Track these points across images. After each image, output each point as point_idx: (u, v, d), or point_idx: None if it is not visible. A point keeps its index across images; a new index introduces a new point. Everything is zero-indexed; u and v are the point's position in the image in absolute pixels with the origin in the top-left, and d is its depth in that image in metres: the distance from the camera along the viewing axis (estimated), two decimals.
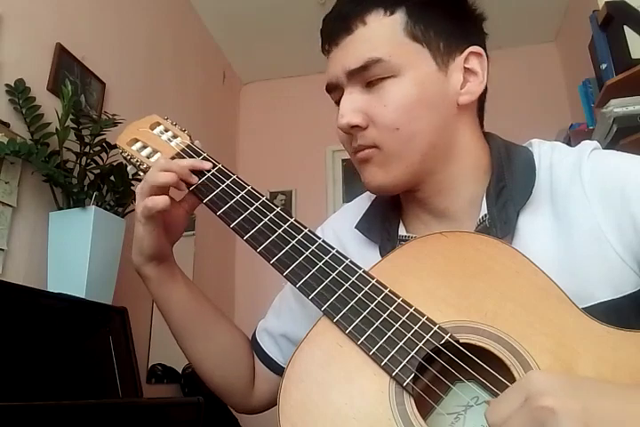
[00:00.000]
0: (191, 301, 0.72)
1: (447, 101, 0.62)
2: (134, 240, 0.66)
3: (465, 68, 0.63)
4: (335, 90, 0.65)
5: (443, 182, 0.65)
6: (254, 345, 0.78)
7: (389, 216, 0.70)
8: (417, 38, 0.61)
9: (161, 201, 0.61)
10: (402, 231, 0.68)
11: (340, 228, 0.75)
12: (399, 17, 0.61)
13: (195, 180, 0.65)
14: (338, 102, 0.65)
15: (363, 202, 0.76)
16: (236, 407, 0.78)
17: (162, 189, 0.62)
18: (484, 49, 0.65)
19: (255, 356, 0.77)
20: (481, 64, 0.64)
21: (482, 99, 0.68)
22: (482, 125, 0.70)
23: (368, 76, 0.61)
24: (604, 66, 1.74)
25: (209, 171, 0.65)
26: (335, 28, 0.63)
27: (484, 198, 0.63)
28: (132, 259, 0.68)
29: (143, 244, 0.65)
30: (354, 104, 0.62)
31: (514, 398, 0.40)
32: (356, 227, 0.71)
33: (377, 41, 0.60)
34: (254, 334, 0.79)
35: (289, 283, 0.78)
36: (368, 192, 0.77)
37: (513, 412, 0.39)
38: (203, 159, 0.66)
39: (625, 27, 1.66)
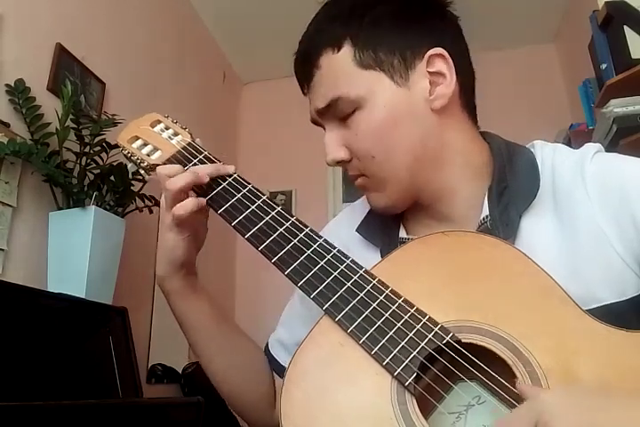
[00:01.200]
0: (214, 314, 0.70)
1: (419, 112, 0.63)
2: (162, 251, 0.65)
3: (429, 72, 0.63)
4: (319, 124, 0.69)
5: (442, 188, 0.65)
6: (270, 361, 0.76)
7: (390, 219, 0.70)
8: (369, 66, 0.62)
9: (190, 203, 0.61)
10: (402, 234, 0.69)
11: (342, 230, 0.75)
12: (346, 50, 0.62)
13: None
14: None
15: (363, 204, 0.76)
16: (258, 424, 0.75)
17: (185, 194, 0.62)
18: (455, 51, 0.64)
19: (273, 372, 0.75)
20: (446, 64, 0.63)
21: (467, 97, 0.67)
22: (475, 123, 0.69)
23: (336, 113, 0.63)
24: (603, 66, 1.74)
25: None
26: (299, 75, 0.68)
27: (486, 199, 0.62)
28: (159, 272, 0.66)
29: (175, 253, 0.64)
30: (334, 140, 0.65)
31: (525, 419, 0.41)
32: (356, 230, 0.71)
33: (332, 80, 0.63)
34: (268, 351, 0.77)
35: (295, 293, 0.78)
36: None
37: None
38: (204, 157, 0.66)
39: (625, 27, 1.66)
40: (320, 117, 0.66)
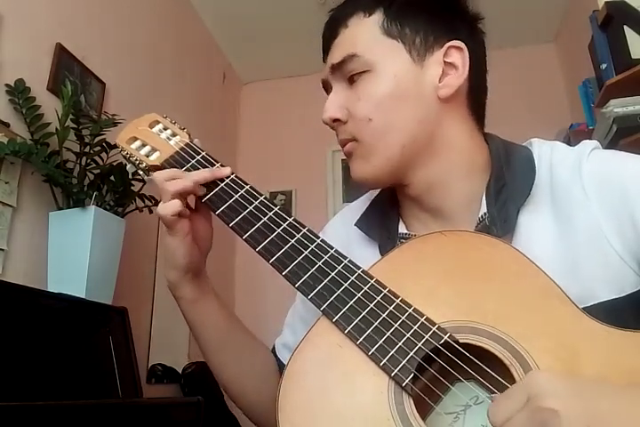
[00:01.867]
0: (226, 318, 0.70)
1: (425, 94, 0.64)
2: (166, 256, 0.65)
3: (445, 62, 0.64)
4: (327, 88, 0.70)
5: (430, 178, 0.65)
6: (278, 363, 0.75)
7: (389, 214, 0.70)
8: (392, 35, 0.64)
9: (171, 205, 0.61)
10: (402, 229, 0.69)
11: (341, 229, 0.75)
12: (376, 17, 0.65)
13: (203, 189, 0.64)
14: None
15: (363, 202, 0.77)
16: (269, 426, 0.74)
17: (175, 197, 0.62)
18: (472, 45, 0.66)
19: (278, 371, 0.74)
20: (462, 58, 0.64)
21: (475, 97, 0.68)
22: (482, 126, 0.70)
23: (347, 70, 0.65)
24: (603, 66, 1.74)
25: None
26: (326, 35, 0.69)
27: (484, 197, 0.63)
28: (167, 278, 0.66)
29: (176, 254, 0.64)
30: (337, 100, 0.66)
31: (516, 398, 0.40)
32: (355, 224, 0.71)
33: (355, 39, 0.65)
34: (275, 355, 0.76)
35: (298, 295, 0.78)
36: (368, 193, 0.77)
37: (515, 412, 0.39)
38: (202, 158, 0.66)
39: (625, 27, 1.66)
40: (331, 74, 0.67)
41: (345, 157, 0.69)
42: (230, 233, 0.63)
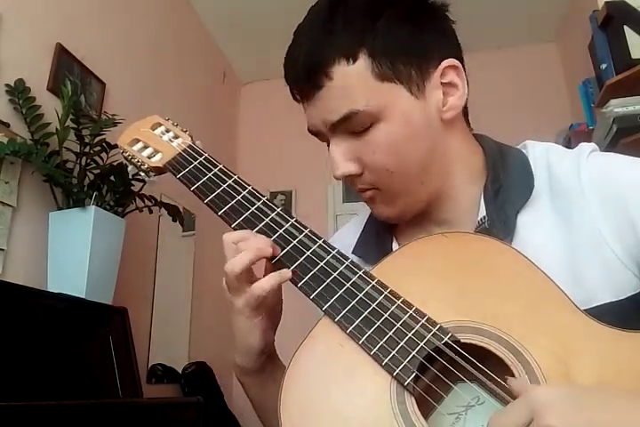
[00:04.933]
0: None
1: (432, 124, 0.61)
2: (237, 340, 0.60)
3: (443, 82, 0.61)
4: (319, 135, 0.65)
5: (446, 195, 0.65)
6: None
7: (383, 236, 0.70)
8: (387, 78, 0.59)
9: (267, 283, 0.56)
10: (395, 246, 0.68)
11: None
12: (362, 62, 0.58)
13: (277, 250, 0.58)
14: (326, 142, 0.65)
15: (357, 224, 0.76)
16: None
17: (250, 271, 0.57)
18: (460, 57, 0.63)
19: None
20: (459, 75, 0.62)
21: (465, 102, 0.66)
22: (469, 126, 0.69)
23: (351, 127, 0.60)
24: (603, 66, 1.75)
25: (210, 171, 0.65)
26: (301, 82, 0.61)
27: (482, 200, 0.62)
28: (238, 364, 0.61)
29: (248, 339, 0.59)
30: (343, 154, 0.61)
31: (519, 413, 0.41)
32: (352, 252, 0.70)
33: (349, 93, 0.58)
34: None
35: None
36: (362, 215, 0.76)
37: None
38: (204, 160, 0.66)
39: (625, 27, 1.66)
40: (330, 130, 0.62)
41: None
42: None
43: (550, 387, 0.45)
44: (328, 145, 0.65)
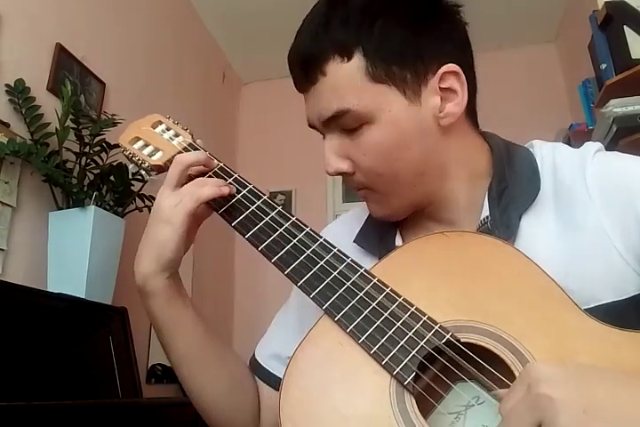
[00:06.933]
0: (199, 322, 0.65)
1: (427, 130, 0.60)
2: (149, 246, 0.60)
3: (441, 88, 0.60)
4: (316, 128, 0.65)
5: (445, 197, 0.64)
6: (260, 373, 0.71)
7: (387, 228, 0.69)
8: (380, 79, 0.58)
9: (210, 190, 0.60)
10: (398, 242, 0.68)
11: (340, 240, 0.69)
12: (357, 61, 0.58)
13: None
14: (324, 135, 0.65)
15: (360, 213, 0.75)
16: None
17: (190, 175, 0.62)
18: (466, 61, 0.62)
19: (264, 384, 0.70)
20: (459, 81, 0.60)
21: (471, 104, 0.65)
22: (477, 125, 0.68)
23: (342, 124, 0.60)
24: (603, 66, 1.74)
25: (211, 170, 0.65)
26: (298, 75, 0.63)
27: (486, 200, 0.62)
28: (142, 268, 0.60)
29: (166, 249, 0.59)
30: (336, 151, 0.62)
31: (518, 388, 0.41)
32: (354, 241, 0.70)
33: (340, 91, 0.58)
34: (257, 363, 0.72)
35: (288, 302, 0.76)
36: (363, 206, 0.75)
37: (517, 401, 0.40)
38: None
39: (625, 27, 1.66)
40: (324, 126, 0.62)
41: None
42: (230, 233, 0.63)
43: (546, 362, 0.46)
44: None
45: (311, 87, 0.61)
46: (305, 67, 0.61)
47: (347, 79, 0.58)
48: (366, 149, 0.60)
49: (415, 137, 0.60)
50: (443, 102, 0.60)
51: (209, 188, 0.60)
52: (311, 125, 0.66)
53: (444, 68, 0.60)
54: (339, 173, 0.63)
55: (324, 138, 0.65)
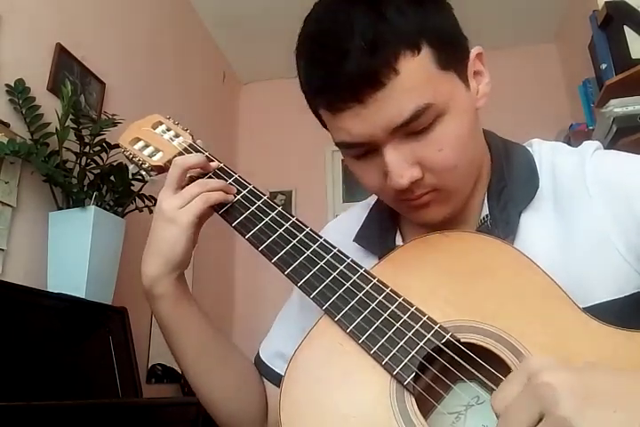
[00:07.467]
0: (206, 321, 0.65)
1: (476, 114, 0.60)
2: (157, 248, 0.60)
3: (474, 71, 0.60)
4: (355, 146, 0.57)
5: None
6: (266, 372, 0.71)
7: (387, 227, 0.69)
8: (447, 66, 0.55)
9: (216, 193, 0.60)
10: (399, 241, 0.67)
11: (338, 240, 0.67)
12: (426, 52, 0.53)
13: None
14: (357, 157, 0.59)
15: (360, 212, 0.74)
16: None
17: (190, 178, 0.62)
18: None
19: (270, 383, 0.69)
20: (482, 62, 0.61)
21: None
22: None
23: (418, 125, 0.54)
24: (603, 66, 1.75)
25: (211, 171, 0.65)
26: (350, 89, 0.52)
27: (486, 199, 0.62)
28: (150, 271, 0.60)
29: (175, 250, 0.59)
30: (404, 160, 0.55)
31: (516, 381, 0.40)
32: (354, 240, 0.69)
33: (418, 86, 0.53)
34: (261, 362, 0.72)
35: (291, 299, 0.76)
36: (365, 201, 0.75)
37: (516, 395, 0.39)
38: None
39: (625, 27, 1.66)
40: (390, 135, 0.54)
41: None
42: (230, 233, 0.63)
43: (542, 356, 0.45)
44: (357, 157, 0.58)
45: (376, 94, 0.52)
46: (367, 74, 0.51)
47: (421, 72, 0.53)
48: (442, 143, 0.55)
49: (475, 121, 0.59)
50: (477, 85, 0.60)
51: (217, 192, 0.61)
52: (352, 144, 0.57)
53: (475, 49, 0.60)
54: (412, 183, 0.56)
55: (356, 156, 0.58)
